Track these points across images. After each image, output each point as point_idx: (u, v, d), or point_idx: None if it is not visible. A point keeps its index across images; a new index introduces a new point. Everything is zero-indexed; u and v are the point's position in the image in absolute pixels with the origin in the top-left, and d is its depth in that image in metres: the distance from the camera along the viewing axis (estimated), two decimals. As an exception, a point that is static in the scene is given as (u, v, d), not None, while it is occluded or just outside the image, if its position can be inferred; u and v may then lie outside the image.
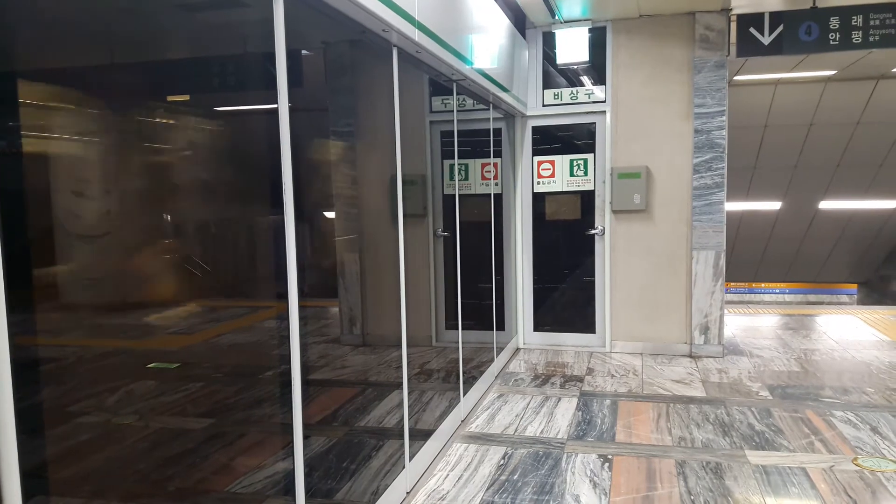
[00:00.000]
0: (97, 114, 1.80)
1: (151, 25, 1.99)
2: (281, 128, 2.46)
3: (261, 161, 2.54)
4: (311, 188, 2.98)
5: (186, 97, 2.19)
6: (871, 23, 6.04)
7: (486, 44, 5.18)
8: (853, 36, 6.10)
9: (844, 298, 18.84)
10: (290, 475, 2.60)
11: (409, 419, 3.82)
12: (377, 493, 3.36)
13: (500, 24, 5.69)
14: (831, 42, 6.15)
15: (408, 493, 3.75)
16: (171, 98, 2.12)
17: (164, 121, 2.08)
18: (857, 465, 4.03)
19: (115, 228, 1.86)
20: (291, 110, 2.50)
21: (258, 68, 2.49)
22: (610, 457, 4.23)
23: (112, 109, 1.85)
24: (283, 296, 2.52)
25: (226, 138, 2.41)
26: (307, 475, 2.70)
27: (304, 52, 2.87)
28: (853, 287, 18.47)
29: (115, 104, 1.86)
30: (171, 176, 2.10)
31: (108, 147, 1.83)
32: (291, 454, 2.60)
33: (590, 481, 3.90)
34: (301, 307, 2.60)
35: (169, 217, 2.09)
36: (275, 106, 2.44)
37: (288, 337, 2.55)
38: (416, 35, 3.59)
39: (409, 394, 3.86)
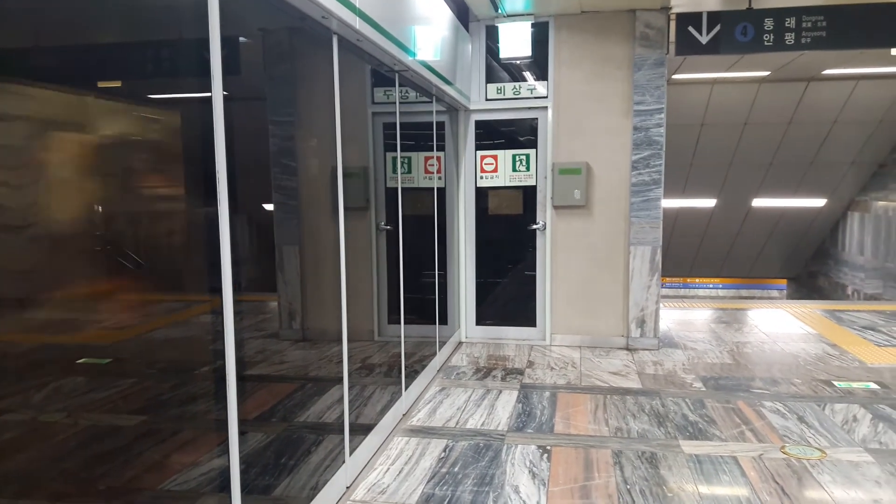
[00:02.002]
0: (20, 99, 1.72)
1: (76, 7, 1.91)
2: (215, 116, 2.39)
3: (195, 151, 2.46)
4: (248, 179, 2.91)
5: (117, 83, 2.11)
6: (804, 25, 6.24)
7: (429, 35, 5.16)
8: (786, 37, 6.29)
9: (775, 293, 19.49)
10: (226, 472, 2.55)
11: (349, 414, 3.79)
12: (316, 489, 3.32)
13: (443, 15, 5.67)
14: (766, 43, 6.33)
15: (348, 487, 3.72)
16: (101, 84, 2.04)
17: (91, 108, 2.00)
18: (784, 453, 4.17)
19: (41, 220, 1.78)
20: (227, 99, 2.44)
21: (191, 54, 2.41)
22: (549, 448, 4.28)
23: (35, 95, 1.77)
24: (217, 290, 2.45)
25: (158, 127, 2.34)
26: (243, 472, 2.64)
27: (240, 38, 2.80)
28: (783, 282, 19.13)
29: (39, 89, 1.78)
30: (99, 165, 2.02)
31: (33, 135, 1.75)
32: (227, 451, 2.55)
33: (529, 472, 3.93)
34: (237, 301, 2.54)
35: (99, 208, 2.01)
36: (209, 94, 2.37)
37: (222, 332, 2.49)
38: (357, 23, 3.55)
39: (349, 388, 3.83)
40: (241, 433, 2.63)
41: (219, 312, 2.47)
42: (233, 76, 2.53)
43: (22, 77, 1.71)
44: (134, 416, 2.15)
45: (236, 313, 2.56)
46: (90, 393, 1.95)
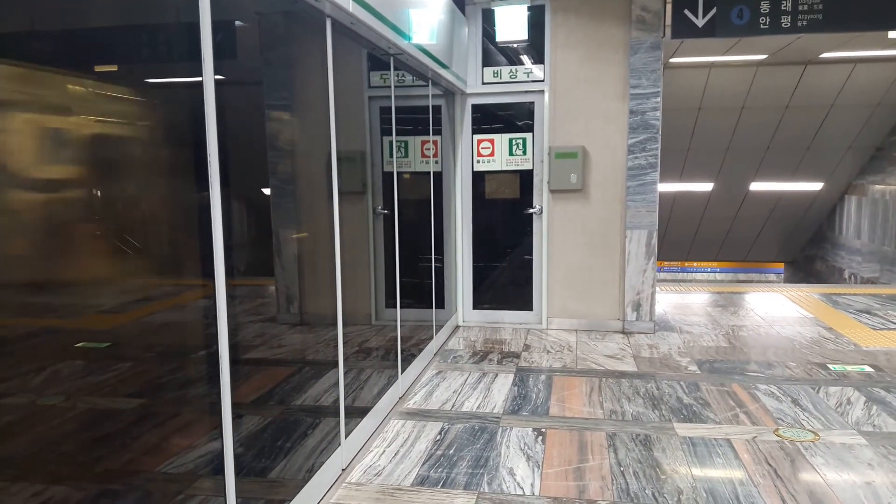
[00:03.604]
0: (13, 85, 1.72)
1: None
2: (206, 101, 2.38)
3: (188, 135, 2.46)
4: (242, 164, 2.91)
5: (113, 67, 2.11)
6: (800, 7, 6.21)
7: (424, 18, 5.13)
8: (783, 20, 6.26)
9: (772, 277, 19.51)
10: (220, 455, 2.56)
11: (345, 397, 3.81)
12: (312, 471, 3.34)
13: (439, -1, 5.64)
14: (762, 26, 6.30)
15: (343, 469, 3.75)
16: (98, 69, 2.03)
17: (88, 91, 1.99)
18: (778, 435, 4.20)
19: (39, 204, 1.79)
20: (221, 83, 2.43)
21: (181, 38, 2.40)
22: (543, 430, 4.31)
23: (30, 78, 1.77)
24: (210, 274, 2.46)
25: (149, 111, 2.33)
26: (239, 455, 2.66)
27: (232, 21, 2.79)
28: (780, 266, 19.14)
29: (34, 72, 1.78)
30: (92, 149, 2.02)
31: (28, 119, 1.75)
32: (221, 434, 2.56)
33: (524, 454, 3.96)
34: (231, 286, 2.55)
35: (97, 192, 2.02)
36: (199, 79, 2.36)
37: (216, 316, 2.50)
38: (351, 6, 3.53)
39: (346, 372, 3.85)
40: (237, 416, 2.65)
41: (211, 297, 2.48)
42: (228, 60, 2.52)
43: (15, 60, 1.71)
44: (131, 399, 2.17)
45: (233, 297, 2.57)
46: (88, 377, 1.97)
